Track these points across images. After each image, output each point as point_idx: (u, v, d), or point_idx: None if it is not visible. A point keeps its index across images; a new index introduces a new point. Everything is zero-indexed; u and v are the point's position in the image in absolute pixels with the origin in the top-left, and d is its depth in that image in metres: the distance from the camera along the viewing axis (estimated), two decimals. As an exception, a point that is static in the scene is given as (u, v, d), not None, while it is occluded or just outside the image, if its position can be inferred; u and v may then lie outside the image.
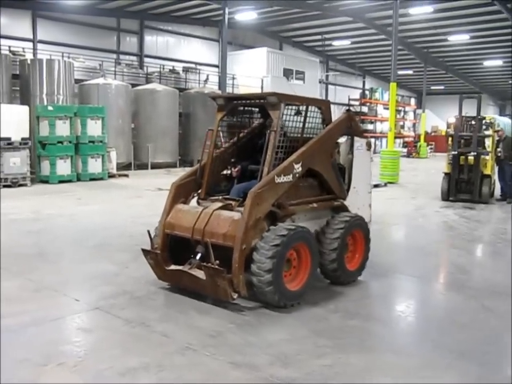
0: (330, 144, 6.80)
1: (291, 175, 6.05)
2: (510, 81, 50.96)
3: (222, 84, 26.89)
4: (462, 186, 14.61)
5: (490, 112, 50.82)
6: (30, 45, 24.99)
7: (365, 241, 6.83)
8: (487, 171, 14.60)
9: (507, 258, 9.00)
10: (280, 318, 5.50)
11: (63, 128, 18.01)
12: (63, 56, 22.90)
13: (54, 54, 22.64)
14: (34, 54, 24.27)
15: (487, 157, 14.68)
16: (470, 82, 50.30)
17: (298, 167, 6.14)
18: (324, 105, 6.92)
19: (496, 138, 15.09)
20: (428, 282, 7.26)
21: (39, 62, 19.90)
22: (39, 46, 25.08)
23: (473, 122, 14.77)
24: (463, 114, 15.21)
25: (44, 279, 6.71)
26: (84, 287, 6.60)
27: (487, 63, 42.47)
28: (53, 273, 7.06)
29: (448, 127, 36.67)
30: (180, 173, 24.56)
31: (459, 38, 34.98)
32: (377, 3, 28.37)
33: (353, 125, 7.18)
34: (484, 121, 15.15)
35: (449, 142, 15.19)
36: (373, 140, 42.26)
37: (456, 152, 14.36)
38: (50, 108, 18.12)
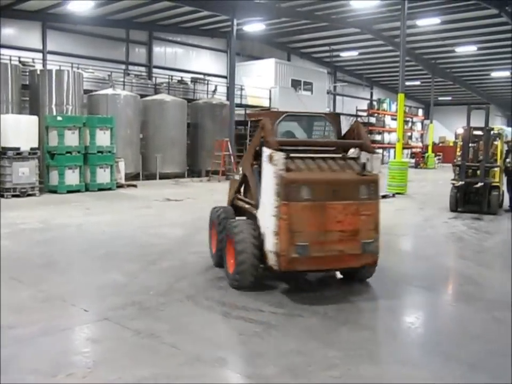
0: (250, 152, 7.30)
1: (237, 175, 7.79)
2: (518, 92, 50.92)
3: (230, 94, 26.97)
4: (471, 197, 14.56)
5: (498, 123, 50.67)
6: (40, 55, 25.21)
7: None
8: (495, 182, 14.54)
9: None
10: (290, 329, 5.48)
11: (72, 138, 18.11)
12: (72, 67, 23.04)
13: (64, 65, 22.83)
14: (44, 64, 24.44)
15: (496, 168, 14.63)
16: (477, 93, 50.25)
17: (239, 169, 7.65)
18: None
19: (506, 149, 15.04)
20: (437, 294, 7.23)
21: (48, 72, 20.04)
22: (49, 56, 25.28)
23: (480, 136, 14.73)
24: (471, 125, 15.18)
25: (52, 289, 6.72)
26: (92, 297, 6.61)
27: (494, 74, 42.45)
28: (62, 283, 7.07)
29: (456, 138, 36.67)
30: (188, 183, 24.64)
31: (466, 49, 35.01)
32: (385, 15, 28.45)
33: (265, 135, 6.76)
34: (492, 132, 15.10)
35: (457, 153, 15.18)
36: (380, 151, 42.35)
37: (463, 183, 14.36)
38: (59, 118, 18.24)
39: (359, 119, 39.20)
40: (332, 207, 6.11)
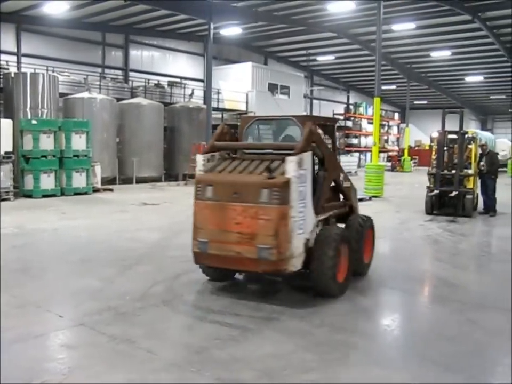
0: None
1: None
2: (491, 97, 51.79)
3: (207, 98, 26.96)
4: (446, 200, 14.73)
5: (472, 127, 51.44)
6: (14, 58, 24.90)
7: None
8: (470, 185, 14.73)
9: (491, 271, 9.11)
10: (266, 333, 5.49)
11: (47, 142, 17.94)
12: (47, 70, 22.83)
13: (39, 68, 22.59)
14: (18, 67, 24.19)
15: (470, 171, 14.82)
16: (452, 97, 50.94)
17: None
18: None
19: (479, 152, 15.25)
20: (413, 296, 7.29)
21: (23, 75, 19.86)
22: (23, 59, 24.99)
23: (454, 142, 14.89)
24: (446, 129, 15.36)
25: (27, 295, 6.63)
26: (68, 302, 6.54)
27: (468, 79, 43.08)
28: (37, 288, 6.98)
29: (431, 142, 37.08)
30: (165, 187, 24.47)
31: (441, 54, 35.50)
32: (361, 19, 28.71)
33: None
34: (466, 136, 15.29)
35: (433, 157, 15.34)
36: (357, 154, 42.66)
37: (438, 191, 14.54)
38: (34, 121, 18.05)
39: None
40: (232, 208, 6.21)
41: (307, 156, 6.40)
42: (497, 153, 18.09)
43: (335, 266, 6.39)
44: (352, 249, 7.00)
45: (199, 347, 5.02)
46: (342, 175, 7.69)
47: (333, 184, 7.47)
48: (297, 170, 6.10)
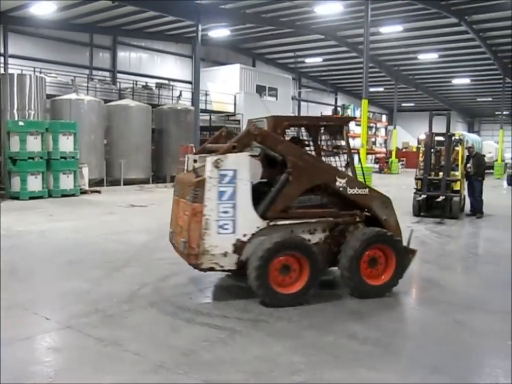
0: None
1: None
2: (478, 99, 52.18)
3: (195, 100, 26.91)
4: (433, 202, 14.79)
5: (459, 129, 51.78)
6: (1, 59, 24.77)
7: None
8: (457, 187, 14.81)
9: (478, 272, 9.17)
10: (254, 334, 5.48)
11: (34, 144, 17.82)
12: (34, 71, 22.71)
13: (26, 69, 22.48)
14: (5, 68, 24.03)
15: (457, 173, 14.91)
16: (439, 99, 51.25)
17: None
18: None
19: (466, 154, 15.35)
20: (400, 297, 7.30)
21: (10, 76, 19.69)
22: (10, 60, 24.84)
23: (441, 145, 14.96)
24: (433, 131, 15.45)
25: (13, 297, 6.57)
26: (54, 305, 6.50)
27: (455, 81, 43.38)
28: (23, 291, 6.93)
29: (419, 144, 37.26)
30: (153, 189, 24.33)
31: (428, 57, 35.75)
32: (349, 22, 28.83)
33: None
34: (453, 138, 15.39)
35: (420, 159, 15.42)
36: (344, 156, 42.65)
37: (425, 196, 14.60)
38: (21, 123, 17.93)
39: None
40: (180, 203, 6.79)
41: (234, 157, 6.30)
42: (484, 156, 18.23)
43: (262, 277, 6.17)
44: (314, 262, 6.40)
45: (187, 349, 5.01)
46: (343, 180, 6.83)
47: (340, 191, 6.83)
48: (214, 170, 6.18)
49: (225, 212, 6.24)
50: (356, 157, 44.14)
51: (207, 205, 6.17)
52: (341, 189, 6.81)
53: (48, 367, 4.65)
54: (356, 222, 7.00)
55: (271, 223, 6.47)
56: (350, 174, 7.11)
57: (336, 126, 7.47)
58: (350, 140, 36.00)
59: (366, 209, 7.08)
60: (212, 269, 6.42)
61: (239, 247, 6.34)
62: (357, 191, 6.91)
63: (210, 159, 6.22)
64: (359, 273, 6.65)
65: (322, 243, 6.81)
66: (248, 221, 6.38)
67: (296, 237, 6.53)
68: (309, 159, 6.80)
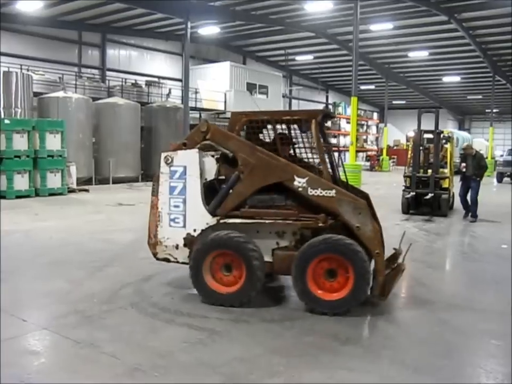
0: None
1: None
2: (468, 97, 52.30)
3: (184, 98, 26.79)
4: (422, 200, 14.75)
5: (450, 127, 51.96)
6: (-13, 57, 24.52)
7: None
8: (445, 184, 14.77)
9: (464, 270, 9.13)
10: (234, 335, 5.40)
11: (20, 142, 17.64)
12: (21, 69, 22.51)
13: (12, 66, 22.28)
14: (-8, 66, 23.79)
15: (445, 170, 14.87)
16: (430, 97, 51.33)
17: None
18: None
19: (461, 152, 15.20)
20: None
21: (-4, 74, 19.49)
22: (-3, 58, 24.62)
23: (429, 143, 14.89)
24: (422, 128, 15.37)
25: (-9, 299, 6.46)
26: (33, 306, 6.38)
27: (446, 79, 43.44)
28: (3, 292, 6.79)
29: (408, 141, 37.26)
30: (142, 187, 24.15)
31: (419, 54, 35.77)
32: (339, 19, 28.79)
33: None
34: (442, 135, 15.33)
35: (409, 156, 15.38)
36: (336, 154, 42.67)
37: (414, 193, 14.55)
38: (7, 121, 17.74)
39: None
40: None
41: (183, 154, 6.54)
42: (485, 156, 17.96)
43: (196, 275, 6.30)
44: (249, 263, 6.10)
45: (164, 351, 4.92)
46: (303, 180, 6.12)
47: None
48: (165, 166, 6.55)
49: (176, 206, 6.55)
50: (347, 154, 43.97)
51: (159, 198, 6.63)
52: (299, 189, 6.13)
53: (21, 370, 4.53)
54: (319, 227, 6.12)
55: (222, 221, 6.34)
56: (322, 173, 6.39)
57: (303, 120, 6.73)
58: (341, 138, 35.26)
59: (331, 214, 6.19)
60: (167, 260, 6.71)
61: (189, 241, 6.49)
62: (320, 192, 6.08)
63: (162, 155, 6.60)
64: (306, 285, 6.04)
65: (292, 247, 6.39)
66: (198, 216, 6.48)
67: (234, 236, 6.16)
68: (262, 156, 6.27)
